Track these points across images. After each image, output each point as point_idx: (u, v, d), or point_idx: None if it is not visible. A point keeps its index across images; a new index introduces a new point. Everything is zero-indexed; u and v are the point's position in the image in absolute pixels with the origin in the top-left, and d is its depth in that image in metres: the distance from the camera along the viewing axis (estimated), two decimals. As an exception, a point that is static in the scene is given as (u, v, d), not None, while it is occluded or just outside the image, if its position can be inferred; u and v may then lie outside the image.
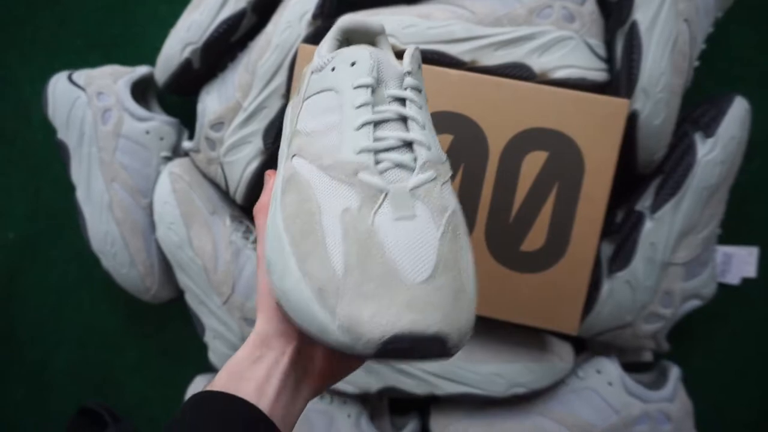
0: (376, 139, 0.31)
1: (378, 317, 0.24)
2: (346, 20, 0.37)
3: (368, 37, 0.38)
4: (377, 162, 0.30)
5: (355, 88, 0.32)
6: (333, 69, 0.33)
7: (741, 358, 0.65)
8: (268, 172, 0.37)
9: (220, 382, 0.31)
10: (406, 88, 0.33)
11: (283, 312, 0.28)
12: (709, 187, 0.53)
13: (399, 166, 0.30)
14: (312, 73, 0.35)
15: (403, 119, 0.32)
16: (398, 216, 0.28)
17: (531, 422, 0.56)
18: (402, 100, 0.32)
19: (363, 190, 0.29)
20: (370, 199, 0.29)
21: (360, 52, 0.33)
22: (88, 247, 0.60)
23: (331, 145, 0.31)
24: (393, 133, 0.31)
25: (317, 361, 0.34)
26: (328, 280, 0.26)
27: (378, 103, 0.32)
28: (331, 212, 0.28)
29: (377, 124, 0.31)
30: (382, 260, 0.26)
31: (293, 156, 0.32)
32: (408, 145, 0.31)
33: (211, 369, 0.64)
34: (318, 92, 0.34)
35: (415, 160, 0.31)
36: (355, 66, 0.32)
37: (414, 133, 0.31)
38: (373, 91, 0.32)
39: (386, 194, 0.29)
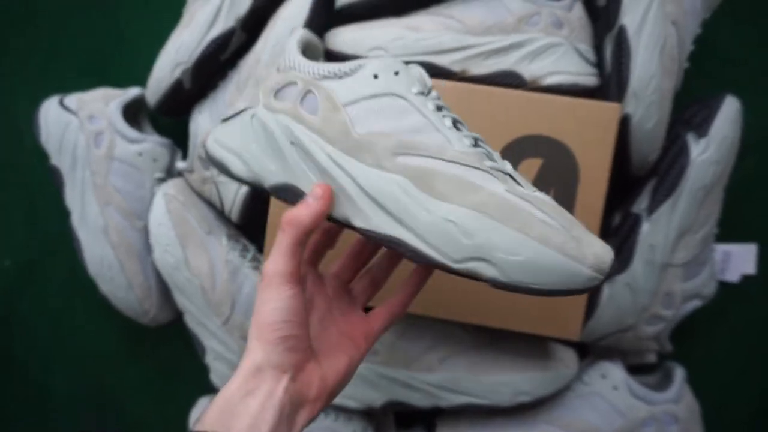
0: (467, 137, 0.34)
1: (604, 249, 0.31)
2: (305, 34, 0.40)
3: (317, 53, 0.41)
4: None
5: (416, 94, 0.34)
6: (375, 76, 0.34)
7: (742, 356, 0.65)
8: (319, 185, 0.34)
9: (211, 418, 0.30)
10: (437, 98, 0.36)
11: (507, 287, 0.31)
12: (704, 187, 0.53)
13: (488, 157, 0.34)
14: (323, 79, 0.35)
15: (455, 123, 0.35)
16: (533, 190, 0.33)
17: (538, 430, 0.56)
18: (440, 108, 0.35)
19: (496, 174, 0.33)
20: (506, 180, 0.33)
21: (396, 63, 0.35)
22: (85, 271, 0.60)
23: (442, 141, 0.33)
24: (470, 133, 0.35)
25: (314, 387, 0.34)
26: (562, 237, 0.31)
27: None
28: (499, 191, 0.32)
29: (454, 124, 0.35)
30: (570, 215, 0.33)
31: (398, 155, 0.33)
32: (475, 143, 0.35)
33: (213, 389, 0.64)
34: (370, 97, 0.34)
35: (491, 153, 0.35)
36: (399, 75, 0.35)
37: (475, 133, 0.35)
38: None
39: (510, 176, 0.33)
